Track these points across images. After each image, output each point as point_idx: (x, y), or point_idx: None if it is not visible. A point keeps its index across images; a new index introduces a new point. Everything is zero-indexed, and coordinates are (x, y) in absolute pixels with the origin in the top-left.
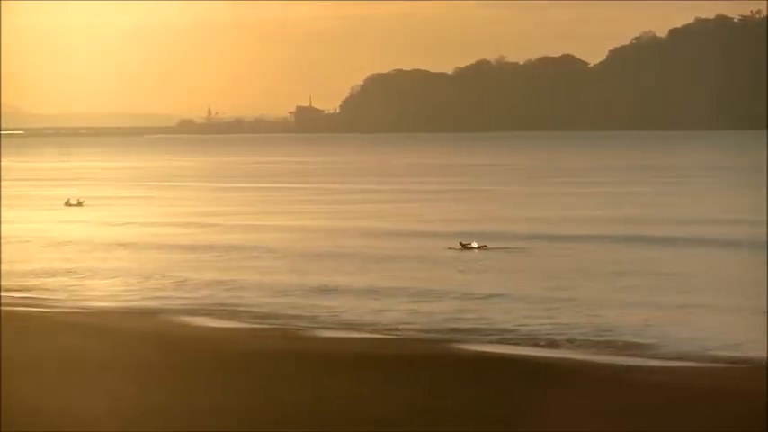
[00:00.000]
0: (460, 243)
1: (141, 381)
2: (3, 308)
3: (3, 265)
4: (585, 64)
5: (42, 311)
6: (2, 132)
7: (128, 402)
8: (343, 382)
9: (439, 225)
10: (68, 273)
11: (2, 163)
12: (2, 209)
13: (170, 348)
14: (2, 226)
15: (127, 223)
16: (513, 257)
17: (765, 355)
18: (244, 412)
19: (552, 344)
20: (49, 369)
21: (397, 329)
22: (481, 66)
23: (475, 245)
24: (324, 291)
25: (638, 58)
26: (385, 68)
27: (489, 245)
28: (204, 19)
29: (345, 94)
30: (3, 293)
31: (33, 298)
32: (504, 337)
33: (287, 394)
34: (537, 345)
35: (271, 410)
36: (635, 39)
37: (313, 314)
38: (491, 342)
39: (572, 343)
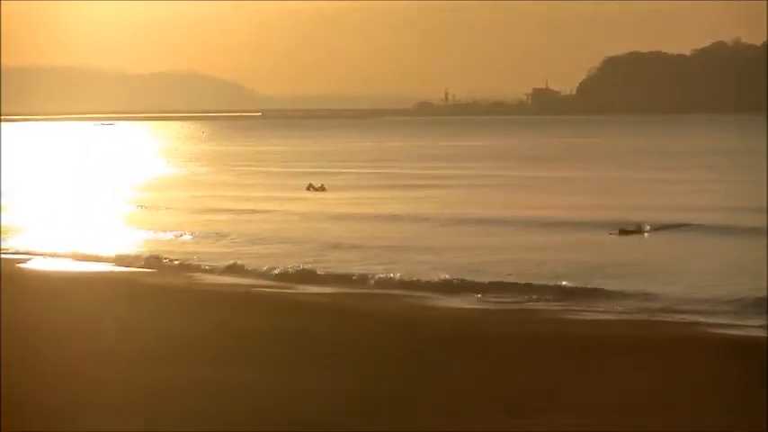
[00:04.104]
0: (619, 229)
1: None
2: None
3: None
4: None
5: (285, 293)
6: (239, 114)
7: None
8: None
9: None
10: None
11: (238, 148)
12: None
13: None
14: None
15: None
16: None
17: None
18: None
19: None
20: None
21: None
22: (718, 47)
23: (633, 229)
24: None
25: None
26: (621, 51)
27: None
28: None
29: (582, 76)
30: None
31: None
32: None
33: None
34: None
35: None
36: None
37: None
38: None
39: None
